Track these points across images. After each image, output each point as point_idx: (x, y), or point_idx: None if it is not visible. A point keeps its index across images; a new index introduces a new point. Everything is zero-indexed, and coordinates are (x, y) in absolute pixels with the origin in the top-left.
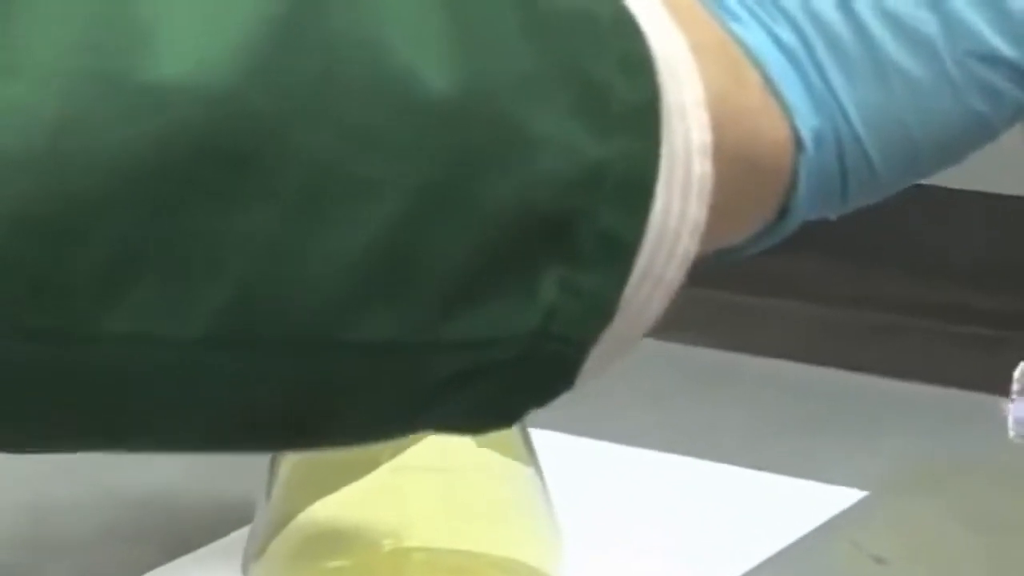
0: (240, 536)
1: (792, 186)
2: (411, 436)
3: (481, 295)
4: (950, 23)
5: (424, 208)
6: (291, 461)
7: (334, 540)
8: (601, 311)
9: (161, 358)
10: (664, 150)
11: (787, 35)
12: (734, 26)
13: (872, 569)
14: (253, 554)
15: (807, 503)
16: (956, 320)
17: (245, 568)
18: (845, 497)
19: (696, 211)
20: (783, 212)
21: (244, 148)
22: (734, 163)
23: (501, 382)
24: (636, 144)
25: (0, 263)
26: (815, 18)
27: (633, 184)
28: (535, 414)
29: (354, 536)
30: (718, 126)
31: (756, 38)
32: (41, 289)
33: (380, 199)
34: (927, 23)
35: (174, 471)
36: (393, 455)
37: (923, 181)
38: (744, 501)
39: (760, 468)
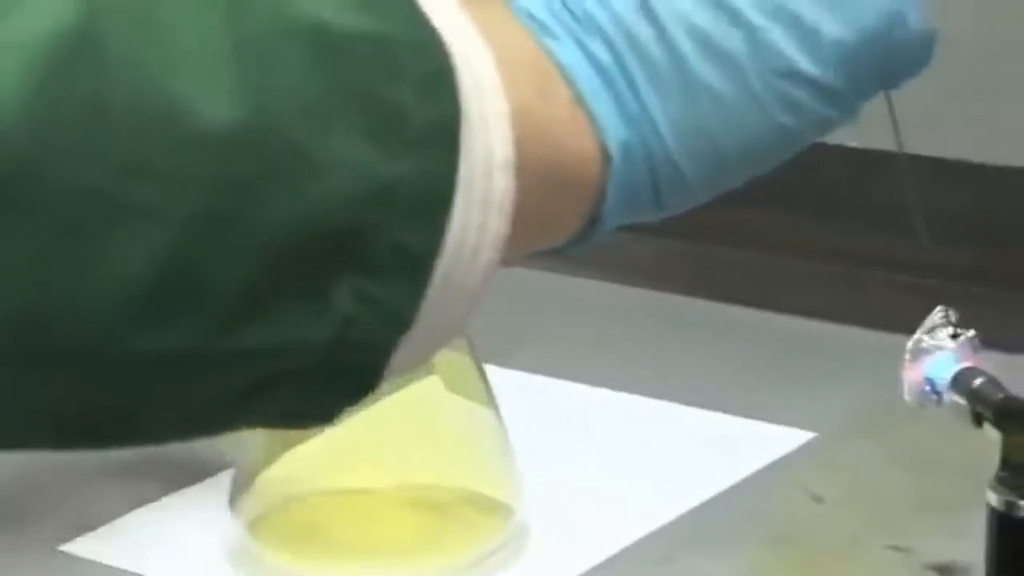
0: (227, 475)
1: (601, 196)
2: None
3: (269, 307)
4: (755, 42)
5: (199, 233)
6: None
7: (313, 476)
8: (399, 320)
9: None
10: (463, 166)
11: (601, 52)
12: (548, 42)
13: (809, 507)
14: (238, 491)
15: (757, 443)
16: (904, 272)
17: (232, 502)
18: (793, 438)
19: (497, 224)
20: (594, 219)
21: (3, 186)
22: (539, 175)
23: (306, 386)
24: (431, 161)
25: None
26: (628, 36)
27: (427, 199)
28: (501, 354)
29: (330, 472)
30: (522, 140)
31: (570, 54)
32: None
33: (152, 226)
34: (733, 41)
35: None
36: (367, 402)
37: (876, 147)
38: (696, 440)
39: (716, 409)
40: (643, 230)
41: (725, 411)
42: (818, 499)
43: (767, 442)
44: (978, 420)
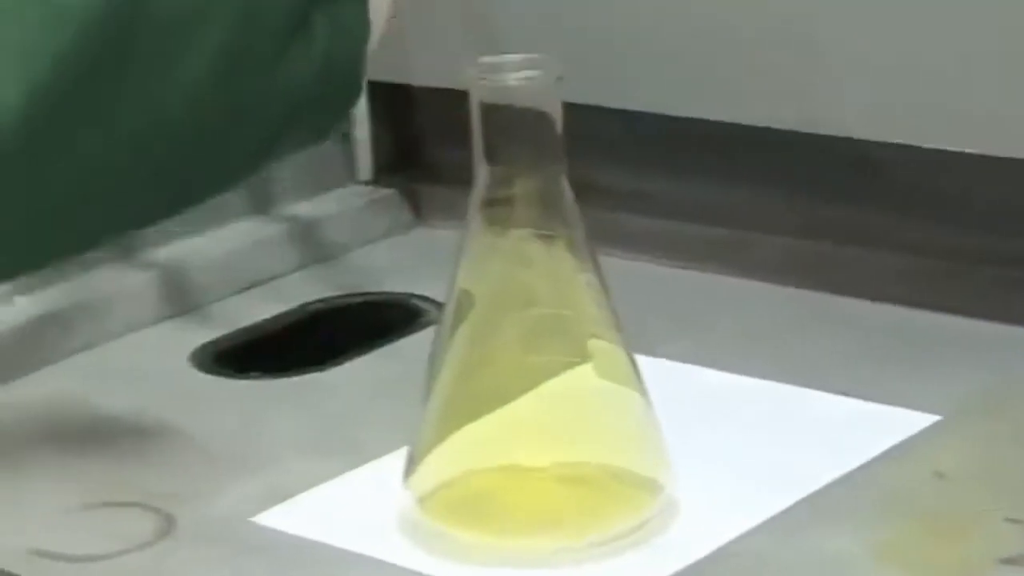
0: (400, 455)
1: None
2: (541, 373)
3: (289, 48)
4: None
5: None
6: (441, 395)
7: (477, 455)
8: (361, 29)
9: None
10: None
11: None
12: None
13: (933, 483)
14: (411, 467)
15: (885, 425)
16: (1014, 267)
17: (405, 478)
18: (919, 420)
19: None
20: None
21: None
22: None
23: (316, 107)
24: None
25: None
26: None
27: None
28: (648, 345)
29: (494, 452)
30: None
31: None
32: None
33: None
34: None
35: (358, 399)
36: (527, 388)
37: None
38: (829, 423)
39: (847, 395)
40: (771, 231)
41: (855, 396)
42: (941, 476)
43: (894, 424)
44: None
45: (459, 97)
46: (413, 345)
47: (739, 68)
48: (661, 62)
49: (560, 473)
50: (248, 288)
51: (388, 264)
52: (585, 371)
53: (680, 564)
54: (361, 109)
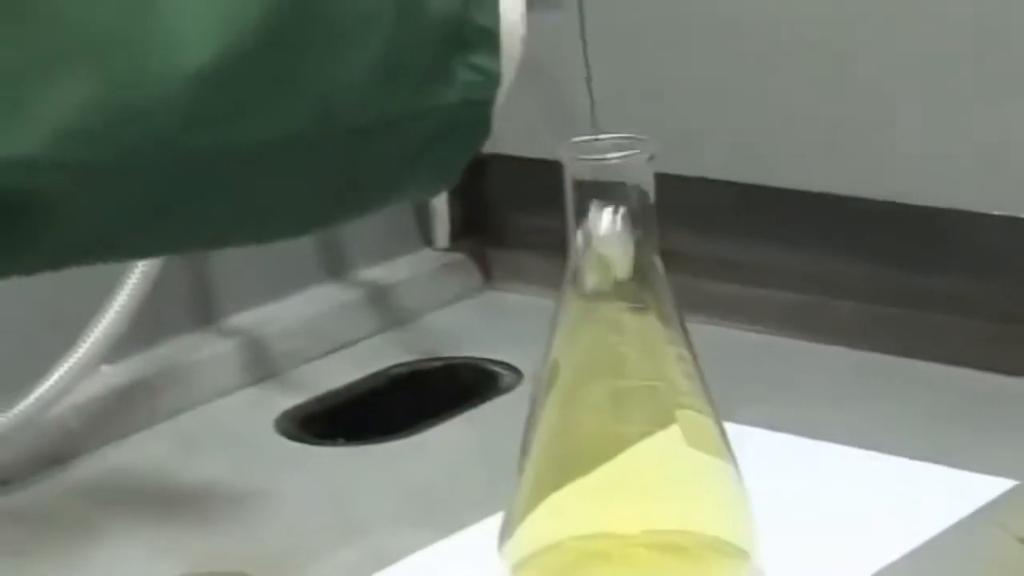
0: (493, 521)
1: None
2: (630, 443)
3: (431, 80)
4: None
5: (402, 36)
6: (535, 461)
7: (570, 523)
8: (493, 76)
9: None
10: None
11: None
12: None
13: (1015, 548)
14: (505, 535)
15: (965, 490)
16: None
17: (499, 545)
18: (997, 485)
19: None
20: None
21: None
22: None
23: (447, 141)
24: None
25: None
26: None
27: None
28: (727, 410)
29: (587, 520)
30: None
31: None
32: None
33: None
34: None
35: (443, 466)
36: (617, 454)
37: None
38: (909, 488)
39: (923, 459)
40: (847, 296)
41: (931, 461)
42: (1023, 541)
43: (972, 489)
44: None
45: (529, 165)
46: (494, 411)
47: (818, 139)
48: (741, 132)
49: (651, 541)
50: (328, 353)
51: (460, 327)
52: (676, 440)
53: None
54: None
